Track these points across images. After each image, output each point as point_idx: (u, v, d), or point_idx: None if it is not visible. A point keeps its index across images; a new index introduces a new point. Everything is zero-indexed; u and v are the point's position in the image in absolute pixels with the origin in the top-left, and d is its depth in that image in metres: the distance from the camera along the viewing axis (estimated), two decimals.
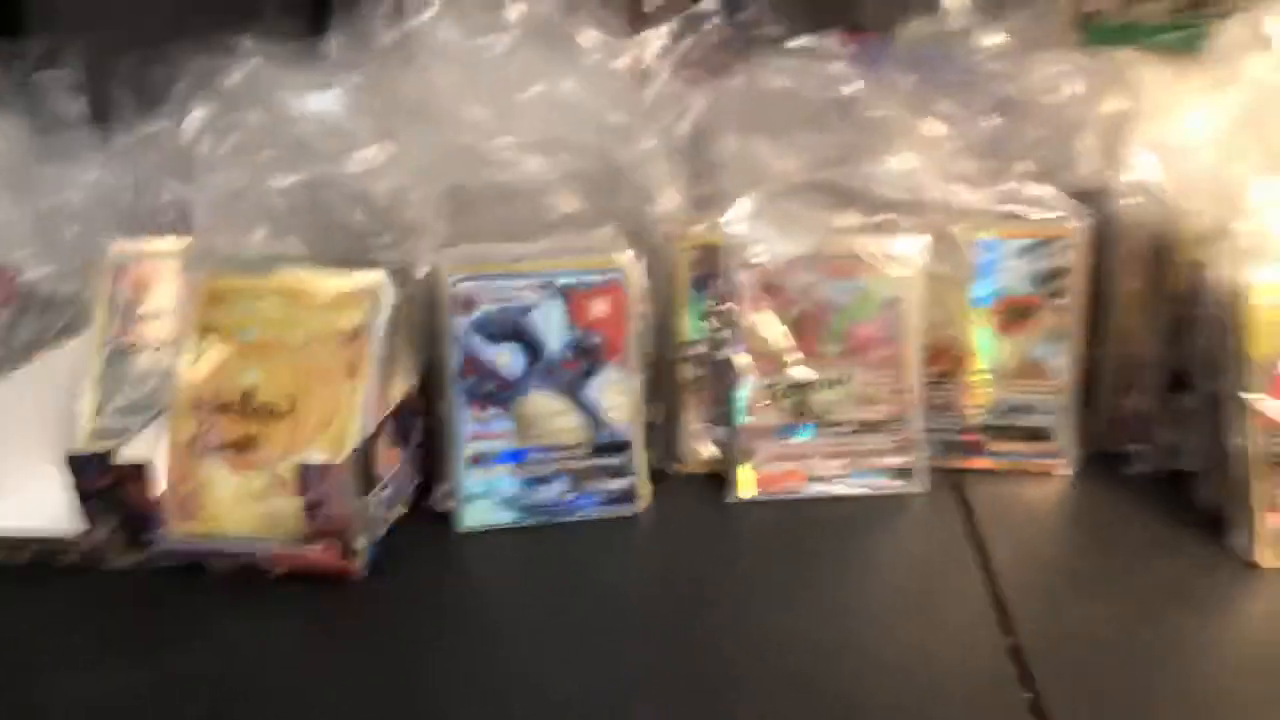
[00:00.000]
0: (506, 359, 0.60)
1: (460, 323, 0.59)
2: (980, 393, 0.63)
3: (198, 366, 0.59)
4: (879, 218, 0.62)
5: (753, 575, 0.55)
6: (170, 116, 0.68)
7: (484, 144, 0.61)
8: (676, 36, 0.67)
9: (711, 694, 0.47)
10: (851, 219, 0.62)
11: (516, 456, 0.60)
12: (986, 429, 0.63)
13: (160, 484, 0.55)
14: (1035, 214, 0.61)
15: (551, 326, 0.60)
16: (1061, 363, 0.62)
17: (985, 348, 0.63)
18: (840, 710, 0.45)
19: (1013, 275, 0.62)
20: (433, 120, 0.62)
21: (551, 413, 0.61)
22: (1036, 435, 0.63)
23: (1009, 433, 0.63)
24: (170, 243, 0.66)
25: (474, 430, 0.60)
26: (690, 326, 0.64)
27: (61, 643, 0.51)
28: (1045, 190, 0.62)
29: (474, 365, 0.59)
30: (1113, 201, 0.61)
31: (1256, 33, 0.59)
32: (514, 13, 0.63)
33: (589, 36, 0.64)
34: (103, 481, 0.55)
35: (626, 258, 0.60)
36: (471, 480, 0.60)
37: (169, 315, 0.64)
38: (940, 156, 0.61)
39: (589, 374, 0.60)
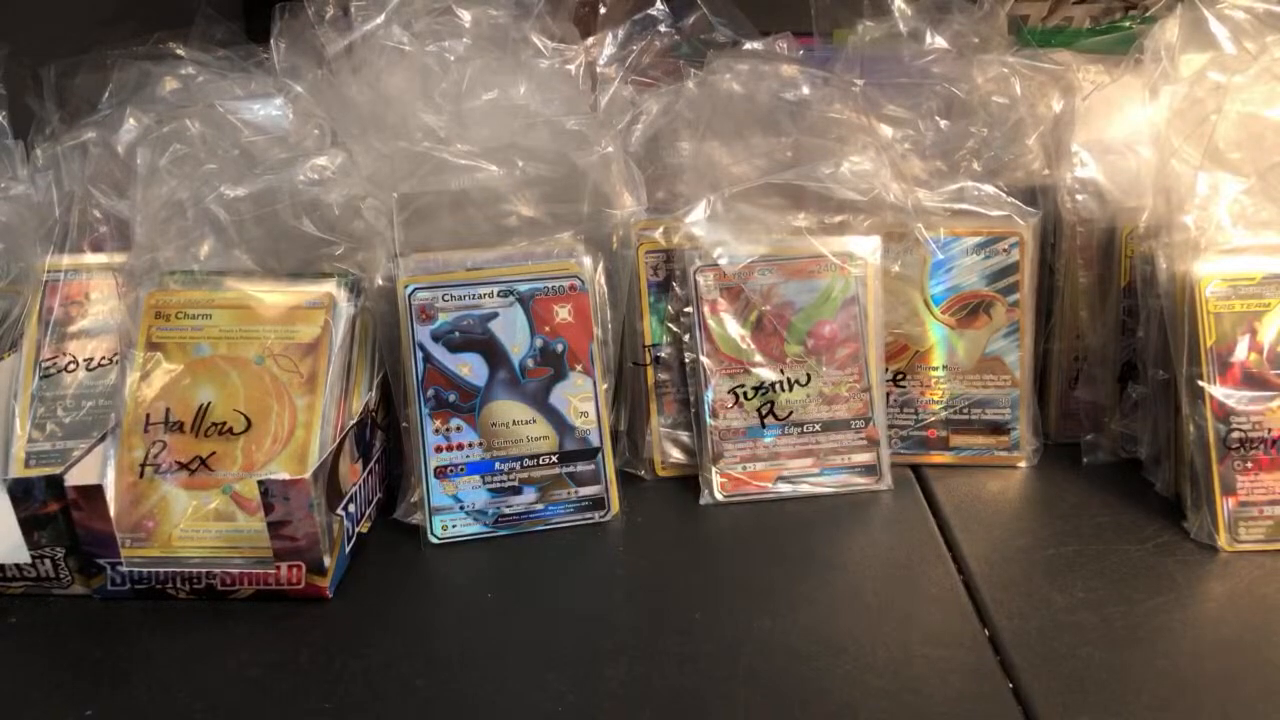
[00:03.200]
0: (469, 368, 0.59)
1: (421, 332, 0.58)
2: (939, 388, 0.64)
3: (146, 385, 0.56)
4: (836, 218, 0.62)
5: (727, 578, 0.55)
6: (99, 127, 0.65)
7: (437, 151, 0.60)
8: (626, 42, 0.67)
9: (693, 704, 0.46)
10: (808, 219, 0.63)
11: (484, 467, 0.59)
12: (947, 424, 0.64)
13: (111, 508, 0.53)
14: (985, 212, 0.63)
15: (514, 334, 0.59)
16: (1017, 357, 0.63)
17: (942, 344, 0.64)
18: (825, 713, 0.45)
19: (966, 272, 0.63)
20: (384, 128, 0.61)
21: (517, 421, 0.60)
22: (996, 429, 0.64)
23: (969, 427, 0.64)
24: (104, 257, 0.63)
25: (439, 441, 0.59)
26: (652, 330, 0.64)
27: (14, 675, 0.48)
28: (994, 189, 0.63)
29: (436, 375, 0.59)
30: (1059, 199, 0.63)
31: (1189, 32, 0.61)
32: (464, 19, 0.63)
33: (540, 42, 0.64)
34: (49, 507, 0.52)
35: (586, 263, 0.59)
36: (438, 492, 0.58)
37: (105, 332, 0.62)
38: (892, 157, 0.62)
39: (554, 381, 0.60)
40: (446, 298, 0.58)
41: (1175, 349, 0.57)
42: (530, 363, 0.59)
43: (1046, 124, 0.64)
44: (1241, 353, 0.56)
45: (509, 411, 0.59)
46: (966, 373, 0.64)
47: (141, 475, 0.55)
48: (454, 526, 0.59)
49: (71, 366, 0.61)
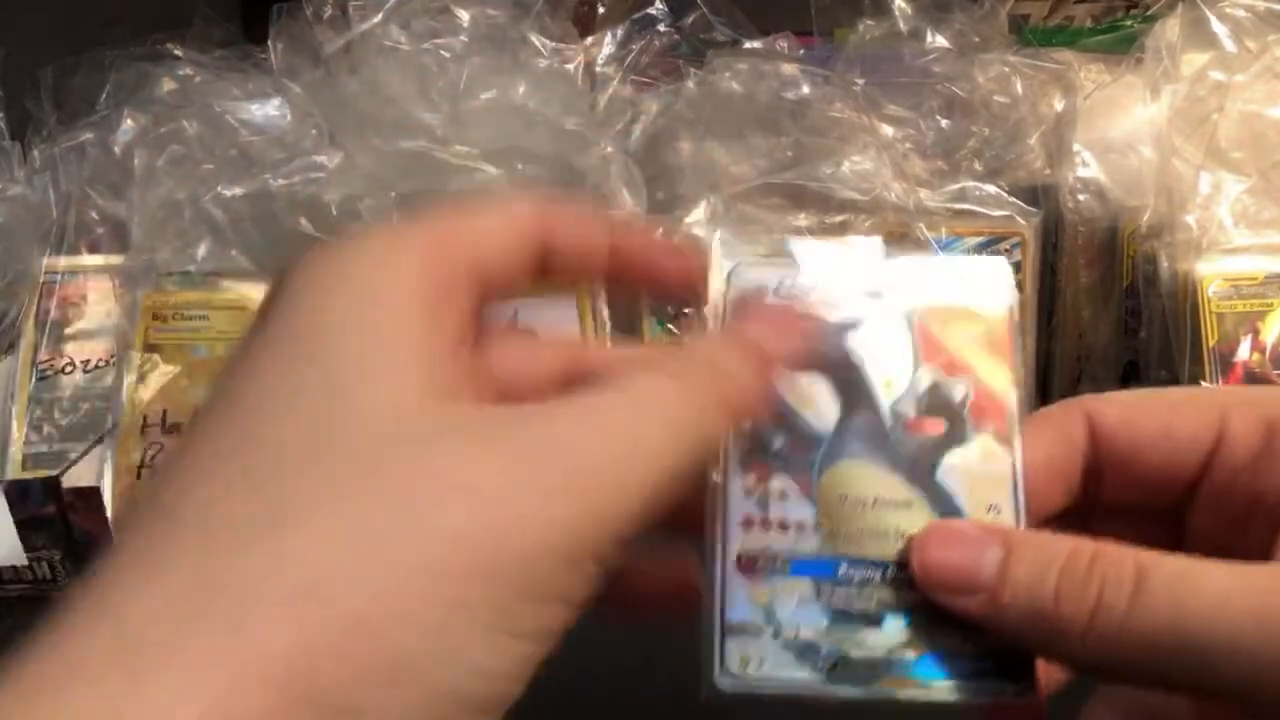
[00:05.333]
0: (813, 401, 0.35)
1: None
2: None
3: (143, 387, 0.56)
4: (837, 218, 0.62)
5: None
6: (96, 128, 0.65)
7: (436, 152, 0.60)
8: (626, 41, 0.67)
9: None
10: (808, 219, 0.62)
11: (822, 569, 0.34)
12: None
13: (108, 510, 0.53)
14: (987, 212, 0.63)
15: (888, 359, 0.35)
16: (1019, 357, 0.63)
17: None
18: None
19: None
20: (382, 128, 0.61)
21: (883, 501, 0.35)
22: None
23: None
24: (100, 259, 0.63)
25: (750, 510, 0.34)
26: (649, 332, 0.63)
27: None
28: (995, 189, 0.63)
29: None
30: (1061, 198, 0.63)
31: (1190, 32, 0.61)
32: (462, 19, 0.62)
33: (539, 42, 0.63)
34: (46, 509, 0.52)
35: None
36: (741, 599, 0.33)
37: (102, 334, 0.62)
38: (893, 156, 0.62)
39: (947, 445, 0.35)
40: (788, 284, 0.35)
41: (1177, 349, 0.57)
42: (910, 409, 0.35)
43: (1048, 123, 0.64)
44: (1244, 353, 0.56)
45: (871, 482, 0.34)
46: None
47: (139, 477, 0.55)
48: (762, 665, 0.33)
49: (68, 368, 0.61)
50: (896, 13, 0.66)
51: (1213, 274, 0.56)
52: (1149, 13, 0.72)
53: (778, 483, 0.33)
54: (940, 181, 0.63)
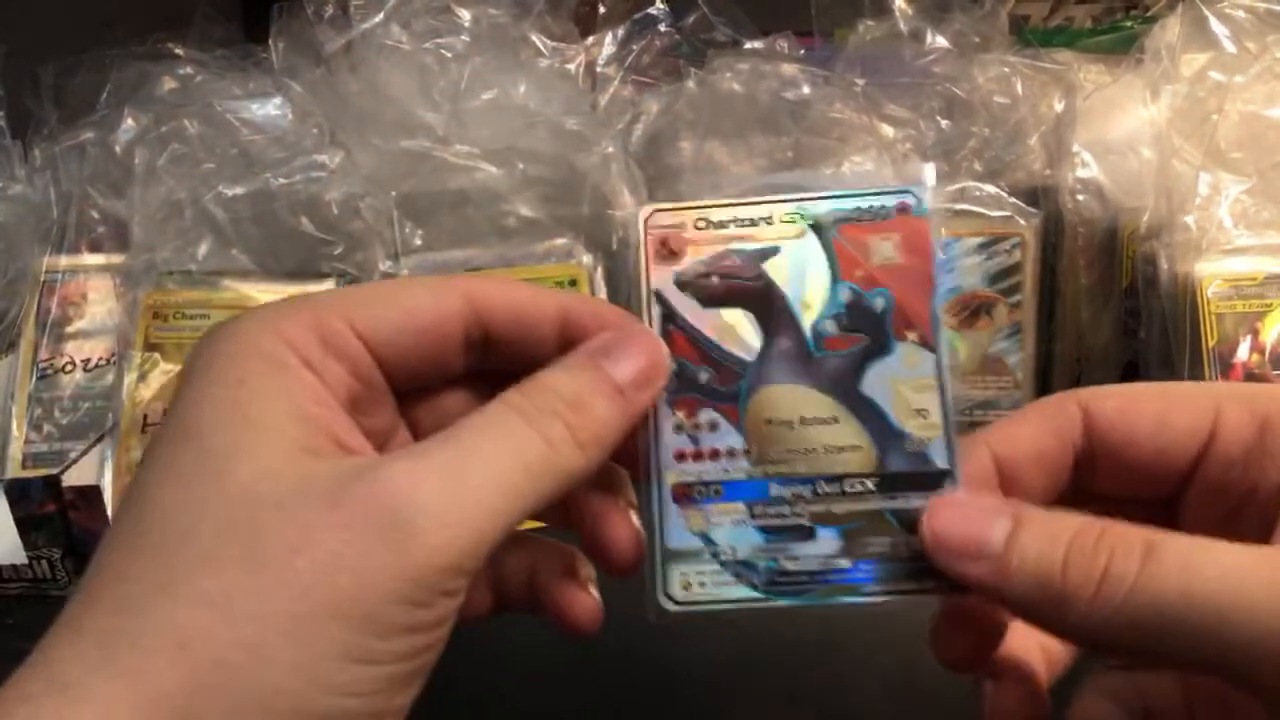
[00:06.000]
0: (733, 332, 0.36)
1: (660, 275, 0.36)
2: None
3: (144, 386, 0.56)
4: None
5: None
6: (97, 127, 0.65)
7: (437, 151, 0.60)
8: (626, 41, 0.67)
9: None
10: None
11: (753, 490, 0.35)
12: None
13: (108, 508, 0.53)
14: (987, 212, 0.63)
15: (805, 281, 0.36)
16: (1018, 358, 0.63)
17: (944, 345, 0.63)
18: None
19: (968, 273, 0.63)
20: (383, 127, 0.61)
21: (809, 419, 0.36)
22: None
23: (972, 429, 0.63)
24: (101, 258, 0.63)
25: (681, 444, 0.35)
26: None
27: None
28: (995, 189, 0.63)
29: (681, 342, 0.36)
30: (1061, 199, 0.63)
31: (1190, 32, 0.61)
32: (463, 18, 0.62)
33: (540, 42, 0.64)
34: (47, 508, 0.52)
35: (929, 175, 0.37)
36: (679, 527, 0.35)
37: (102, 333, 0.62)
38: (893, 157, 0.62)
39: (870, 357, 0.36)
40: (702, 224, 0.37)
41: (1177, 350, 0.57)
42: (831, 327, 0.36)
43: (1048, 124, 0.64)
44: (1244, 353, 0.56)
45: (795, 403, 0.35)
46: (968, 374, 0.63)
47: None
48: (703, 585, 0.35)
49: (69, 367, 0.61)
50: (897, 13, 0.66)
51: (1212, 274, 0.56)
52: (1149, 13, 0.72)
53: (706, 415, 0.35)
54: (940, 182, 0.63)
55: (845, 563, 0.34)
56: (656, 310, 0.36)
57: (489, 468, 0.28)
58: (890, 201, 0.36)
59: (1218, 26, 0.59)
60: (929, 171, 0.36)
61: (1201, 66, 0.59)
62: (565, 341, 0.32)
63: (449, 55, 0.61)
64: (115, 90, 0.66)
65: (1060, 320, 0.64)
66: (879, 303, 0.36)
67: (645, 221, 0.37)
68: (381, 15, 0.61)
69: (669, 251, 0.37)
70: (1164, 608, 0.26)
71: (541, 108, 0.61)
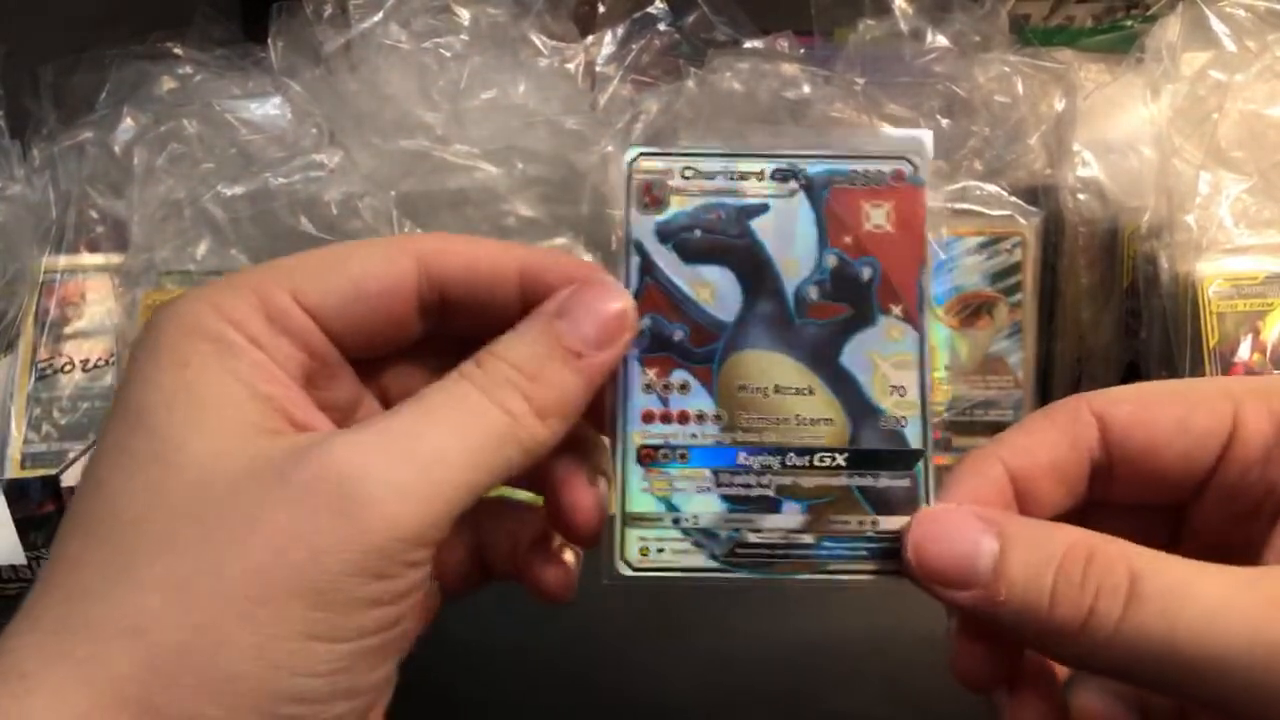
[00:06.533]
0: (711, 290, 0.34)
1: (641, 224, 0.34)
2: (941, 390, 0.64)
3: None
4: None
5: None
6: (96, 126, 0.65)
7: (436, 151, 0.60)
8: (626, 40, 0.67)
9: None
10: None
11: (721, 457, 0.34)
12: (949, 426, 0.64)
13: None
14: (987, 212, 0.62)
15: (792, 242, 0.34)
16: (1019, 358, 0.63)
17: (944, 345, 0.63)
18: None
19: (968, 272, 0.63)
20: (382, 127, 0.61)
21: (784, 388, 0.34)
22: (998, 430, 0.63)
23: (972, 428, 0.64)
24: (100, 258, 0.63)
25: (650, 405, 0.34)
26: None
27: None
28: (996, 188, 0.63)
29: (658, 296, 0.34)
30: (1061, 198, 0.63)
31: (1191, 31, 0.61)
32: (463, 17, 0.62)
33: (539, 41, 0.63)
34: (45, 508, 0.52)
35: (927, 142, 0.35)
36: (641, 490, 0.34)
37: (101, 333, 0.62)
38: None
39: (852, 328, 0.34)
40: (689, 173, 0.35)
41: (1178, 350, 0.57)
42: (814, 293, 0.34)
43: (1048, 123, 0.64)
44: (1245, 353, 0.56)
45: (771, 369, 0.34)
46: (969, 374, 0.63)
47: None
48: (661, 552, 0.34)
49: (68, 368, 0.61)
50: (897, 12, 0.66)
51: (1213, 274, 0.56)
52: (1149, 12, 0.72)
53: (678, 376, 0.34)
54: (940, 181, 0.63)
55: (809, 538, 0.33)
56: (635, 260, 0.34)
57: (445, 440, 0.27)
58: (886, 167, 0.35)
59: (1218, 25, 0.59)
60: (927, 139, 0.36)
61: (1202, 65, 0.59)
62: (528, 300, 0.31)
63: (448, 55, 0.61)
64: (114, 90, 0.66)
65: (1061, 320, 0.64)
66: (865, 272, 0.34)
67: (630, 165, 0.35)
68: (380, 15, 0.61)
69: (652, 199, 0.35)
70: (1146, 652, 0.26)
71: (541, 107, 0.61)
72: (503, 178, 0.60)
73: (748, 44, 0.65)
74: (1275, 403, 0.30)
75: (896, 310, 0.34)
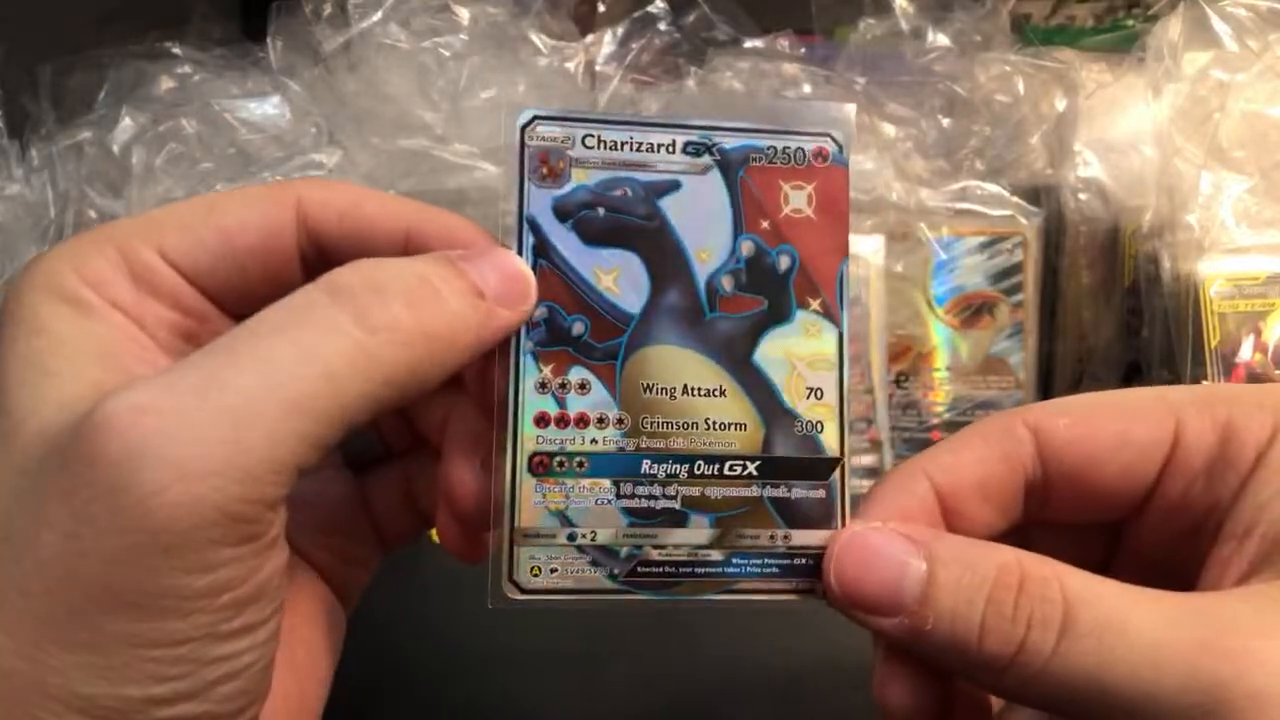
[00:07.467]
0: (615, 277, 0.31)
1: (537, 200, 0.31)
2: (942, 390, 0.63)
3: None
4: None
5: None
6: (95, 126, 0.65)
7: (435, 150, 0.59)
8: (626, 40, 0.67)
9: None
10: None
11: (623, 465, 0.30)
12: (950, 426, 0.64)
13: None
14: (988, 211, 0.62)
15: (705, 225, 0.31)
16: (1020, 358, 0.63)
17: (945, 345, 0.63)
18: None
19: (969, 273, 0.63)
20: (381, 126, 0.60)
21: (693, 388, 0.31)
22: None
23: None
24: None
25: (543, 407, 0.30)
26: None
27: None
28: (997, 188, 0.63)
29: (554, 283, 0.30)
30: (1062, 198, 0.63)
31: (1192, 31, 0.60)
32: (462, 17, 0.62)
33: (539, 40, 0.63)
34: None
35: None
36: (533, 502, 0.30)
37: None
38: (894, 156, 0.62)
39: (767, 323, 0.31)
40: (591, 141, 0.31)
41: (1179, 350, 0.57)
42: (728, 284, 0.31)
43: (1049, 123, 0.64)
44: (1246, 353, 0.56)
45: (680, 368, 0.30)
46: (970, 374, 0.63)
47: None
48: (554, 572, 0.30)
49: None
50: (898, 12, 0.65)
51: (1215, 274, 0.56)
52: (1150, 12, 0.72)
53: (576, 374, 0.30)
54: (941, 181, 0.63)
55: (717, 555, 0.30)
56: (529, 240, 0.30)
57: (255, 385, 0.23)
58: (807, 144, 0.31)
59: (1219, 25, 0.58)
60: (849, 112, 0.31)
61: (1203, 65, 0.59)
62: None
63: (447, 54, 0.61)
64: (113, 89, 0.66)
65: (1062, 320, 0.64)
66: (783, 261, 0.31)
67: (523, 130, 0.31)
68: (380, 14, 0.61)
69: (550, 171, 0.31)
70: (1077, 690, 0.24)
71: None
72: (503, 177, 0.59)
73: (748, 43, 0.65)
74: (1219, 411, 0.28)
75: (815, 304, 0.31)
